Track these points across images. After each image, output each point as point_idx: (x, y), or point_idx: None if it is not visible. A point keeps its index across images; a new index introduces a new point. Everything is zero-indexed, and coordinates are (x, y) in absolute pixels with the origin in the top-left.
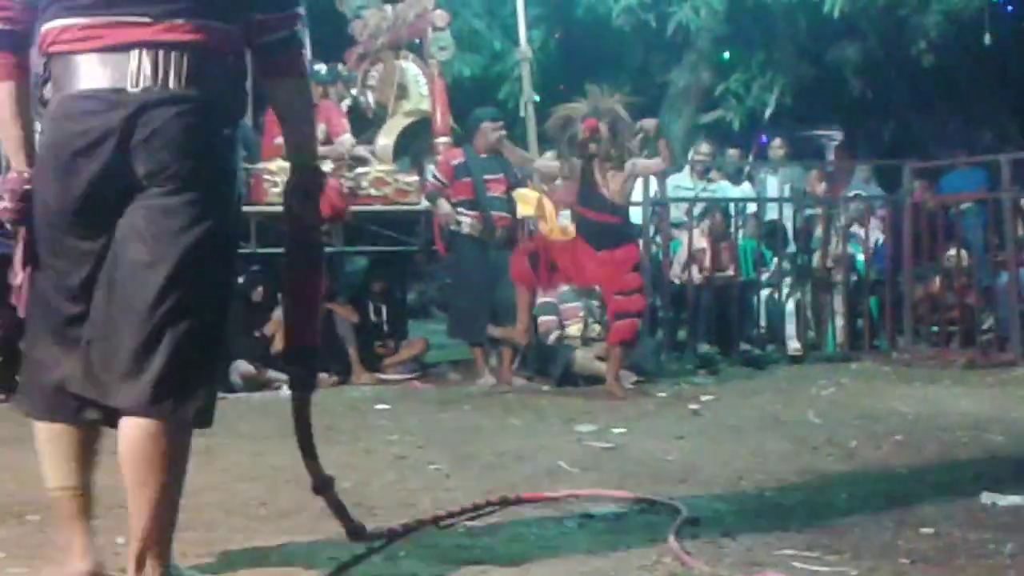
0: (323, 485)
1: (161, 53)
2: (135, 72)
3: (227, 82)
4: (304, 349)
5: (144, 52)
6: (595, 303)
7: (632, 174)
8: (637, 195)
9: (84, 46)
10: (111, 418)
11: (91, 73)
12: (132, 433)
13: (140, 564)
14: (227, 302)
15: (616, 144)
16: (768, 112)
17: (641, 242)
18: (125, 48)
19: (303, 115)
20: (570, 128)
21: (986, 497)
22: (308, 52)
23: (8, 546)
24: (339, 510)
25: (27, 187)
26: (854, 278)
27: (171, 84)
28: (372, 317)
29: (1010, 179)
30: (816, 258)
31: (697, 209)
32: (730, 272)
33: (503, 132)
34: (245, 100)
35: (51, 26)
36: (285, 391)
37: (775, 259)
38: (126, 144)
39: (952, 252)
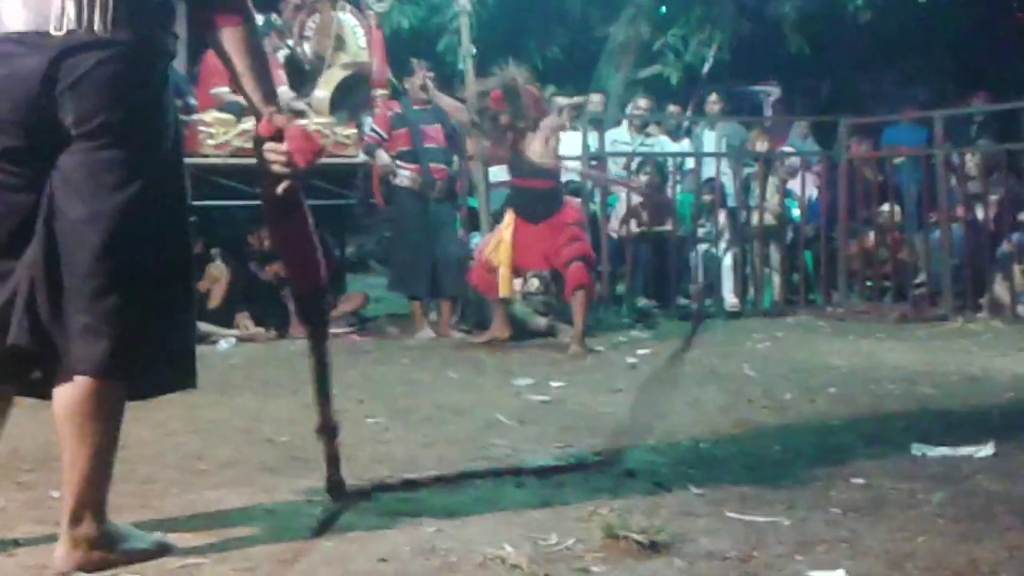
0: (327, 431)
1: None
2: (58, 14)
3: (154, 24)
4: (308, 292)
5: None
6: None
7: (547, 133)
8: (576, 149)
9: None
10: (30, 386)
11: (12, 16)
12: (73, 390)
13: (76, 520)
14: (180, 259)
15: (515, 111)
16: (706, 67)
17: (579, 198)
18: None
19: (259, 62)
20: (484, 101)
21: (916, 448)
22: None
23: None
24: (331, 460)
25: None
26: (791, 234)
27: (96, 27)
28: None
29: (943, 136)
30: (754, 214)
31: (635, 164)
32: (668, 227)
33: (428, 75)
34: (174, 43)
35: None
36: (221, 345)
37: (712, 214)
38: (51, 90)
39: (886, 208)
